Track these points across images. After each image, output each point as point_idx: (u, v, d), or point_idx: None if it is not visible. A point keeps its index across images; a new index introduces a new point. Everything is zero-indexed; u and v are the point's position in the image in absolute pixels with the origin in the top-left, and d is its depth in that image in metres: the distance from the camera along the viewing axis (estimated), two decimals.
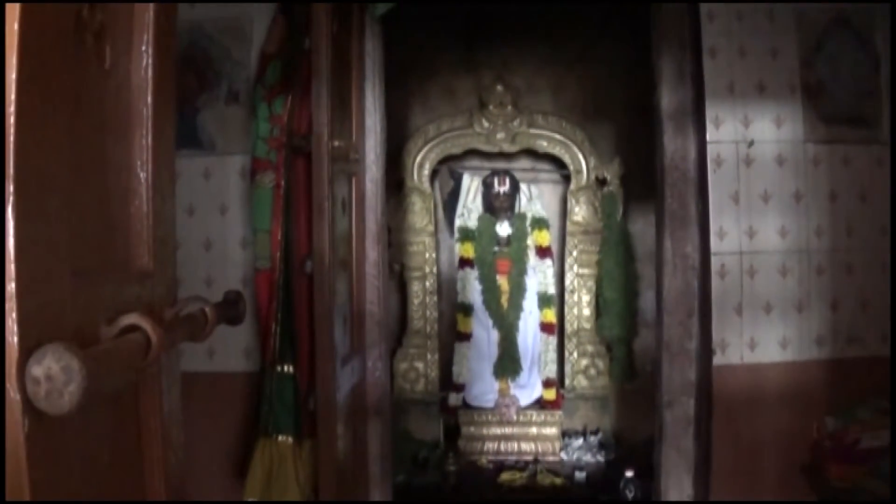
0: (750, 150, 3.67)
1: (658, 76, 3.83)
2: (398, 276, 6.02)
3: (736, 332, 3.64)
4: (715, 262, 3.66)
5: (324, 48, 3.27)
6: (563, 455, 5.70)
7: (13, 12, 1.01)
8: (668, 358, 3.82)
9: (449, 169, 6.20)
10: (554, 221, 6.17)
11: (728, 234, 3.66)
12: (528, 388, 5.87)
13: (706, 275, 3.71)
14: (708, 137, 3.66)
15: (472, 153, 6.20)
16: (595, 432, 5.90)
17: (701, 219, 3.76)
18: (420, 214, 6.02)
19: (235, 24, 3.91)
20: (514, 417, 5.73)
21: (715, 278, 3.66)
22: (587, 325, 6.03)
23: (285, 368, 3.75)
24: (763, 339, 3.65)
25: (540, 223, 5.97)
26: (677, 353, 3.81)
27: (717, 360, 3.62)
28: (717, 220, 3.66)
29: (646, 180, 4.54)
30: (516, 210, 6.03)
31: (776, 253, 3.68)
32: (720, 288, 3.65)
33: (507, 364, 5.82)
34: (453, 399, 5.84)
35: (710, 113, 3.65)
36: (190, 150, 3.86)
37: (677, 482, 3.82)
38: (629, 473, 4.81)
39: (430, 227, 6.05)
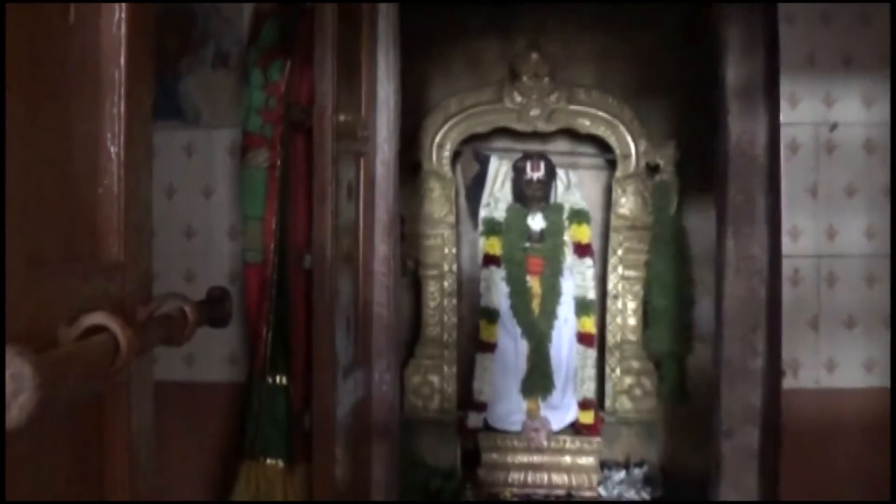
0: (832, 135, 3.64)
1: (723, 45, 3.81)
2: (412, 274, 6.02)
3: (811, 350, 3.61)
4: (786, 267, 3.63)
5: (329, 5, 3.26)
6: (602, 490, 5.68)
7: None
8: (728, 379, 3.81)
9: (473, 150, 6.18)
10: (595, 214, 6.15)
11: (803, 233, 3.63)
12: (562, 410, 5.85)
13: (775, 281, 3.69)
14: (782, 118, 3.63)
15: (501, 132, 6.18)
16: (640, 464, 5.88)
17: (771, 215, 3.74)
18: (439, 203, 6.01)
19: None
20: (545, 444, 5.72)
21: (786, 285, 3.63)
22: (632, 338, 6.01)
23: (277, 380, 3.76)
24: (844, 360, 3.61)
25: (579, 216, 5.95)
26: (739, 374, 3.79)
27: (788, 383, 3.60)
28: (791, 216, 3.64)
29: (705, 168, 4.51)
30: (551, 200, 6.02)
31: (861, 257, 3.64)
32: (792, 297, 3.62)
33: (538, 380, 5.81)
34: (473, 420, 5.83)
35: (785, 89, 3.63)
36: (170, 122, 3.86)
37: None
38: None
39: (451, 218, 6.05)
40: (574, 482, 5.69)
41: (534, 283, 5.89)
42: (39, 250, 1.20)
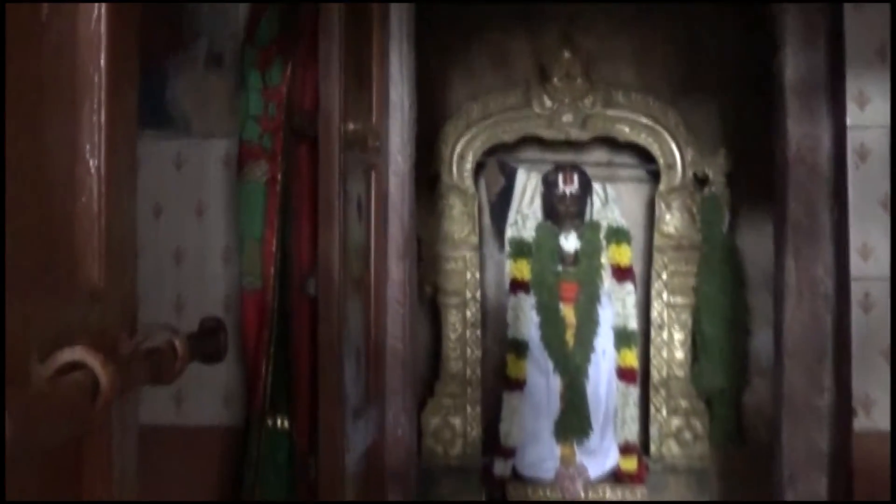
0: None
1: (780, 37, 3.81)
2: (430, 301, 6.01)
3: (885, 385, 3.58)
4: (856, 290, 3.61)
5: None
6: None
7: None
8: (791, 418, 3.79)
9: (498, 162, 6.19)
10: (637, 233, 6.15)
11: (875, 251, 3.61)
12: (601, 455, 5.83)
13: (844, 307, 3.67)
14: (848, 121, 3.62)
15: (530, 141, 6.19)
16: None
17: (837, 231, 3.72)
18: (460, 221, 6.02)
19: None
20: (582, 494, 5.69)
21: (856, 311, 3.61)
22: (680, 373, 5.99)
23: (279, 422, 3.75)
24: None
25: (618, 235, 5.95)
26: (803, 413, 3.77)
27: (859, 423, 3.57)
28: (860, 233, 3.62)
29: (761, 179, 4.49)
30: (587, 217, 6.01)
31: None
32: (864, 325, 3.60)
33: (573, 422, 5.79)
34: (500, 467, 5.82)
35: (851, 87, 3.61)
36: (157, 131, 3.87)
37: None
38: None
39: (473, 239, 6.05)
40: None
41: (567, 311, 5.88)
42: (7, 276, 1.19)
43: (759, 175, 4.79)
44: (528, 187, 6.13)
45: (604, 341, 5.88)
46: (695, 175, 5.96)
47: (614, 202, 6.09)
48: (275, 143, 3.74)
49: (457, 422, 5.97)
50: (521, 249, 5.96)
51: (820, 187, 3.76)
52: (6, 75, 1.21)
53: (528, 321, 5.88)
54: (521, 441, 5.86)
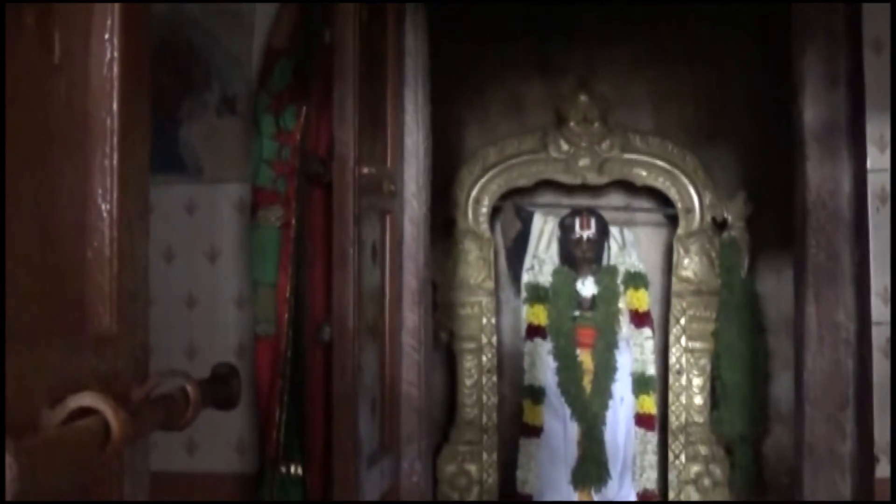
0: None
1: (799, 80, 3.80)
2: (445, 347, 6.00)
3: None
4: (878, 335, 3.59)
5: (350, 42, 3.28)
6: None
7: None
8: (812, 466, 3.76)
9: (515, 206, 6.19)
10: (655, 278, 6.13)
11: None
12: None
13: (865, 352, 3.64)
14: (869, 164, 3.61)
15: (546, 185, 6.19)
16: None
17: (858, 275, 3.70)
18: (475, 266, 6.01)
19: (232, 8, 3.95)
20: None
21: (878, 357, 3.58)
22: (699, 419, 5.95)
23: (292, 470, 3.74)
24: None
25: (636, 280, 5.93)
26: (825, 460, 3.74)
27: (881, 470, 3.54)
28: (882, 276, 3.60)
29: (780, 223, 4.48)
30: (604, 262, 6.00)
31: None
32: (885, 370, 3.57)
33: (590, 469, 5.75)
34: None
35: (872, 130, 3.60)
36: (169, 176, 3.89)
37: None
38: None
39: (489, 284, 6.04)
40: None
41: (585, 357, 5.86)
42: (18, 321, 1.19)
43: (778, 219, 4.78)
44: (544, 232, 6.12)
45: (621, 387, 5.85)
46: (713, 219, 5.95)
47: (632, 246, 6.09)
48: (289, 188, 3.75)
49: (473, 469, 5.94)
50: (537, 294, 5.94)
51: (840, 231, 3.74)
52: (19, 119, 1.22)
53: (544, 367, 5.86)
54: (538, 488, 5.82)
